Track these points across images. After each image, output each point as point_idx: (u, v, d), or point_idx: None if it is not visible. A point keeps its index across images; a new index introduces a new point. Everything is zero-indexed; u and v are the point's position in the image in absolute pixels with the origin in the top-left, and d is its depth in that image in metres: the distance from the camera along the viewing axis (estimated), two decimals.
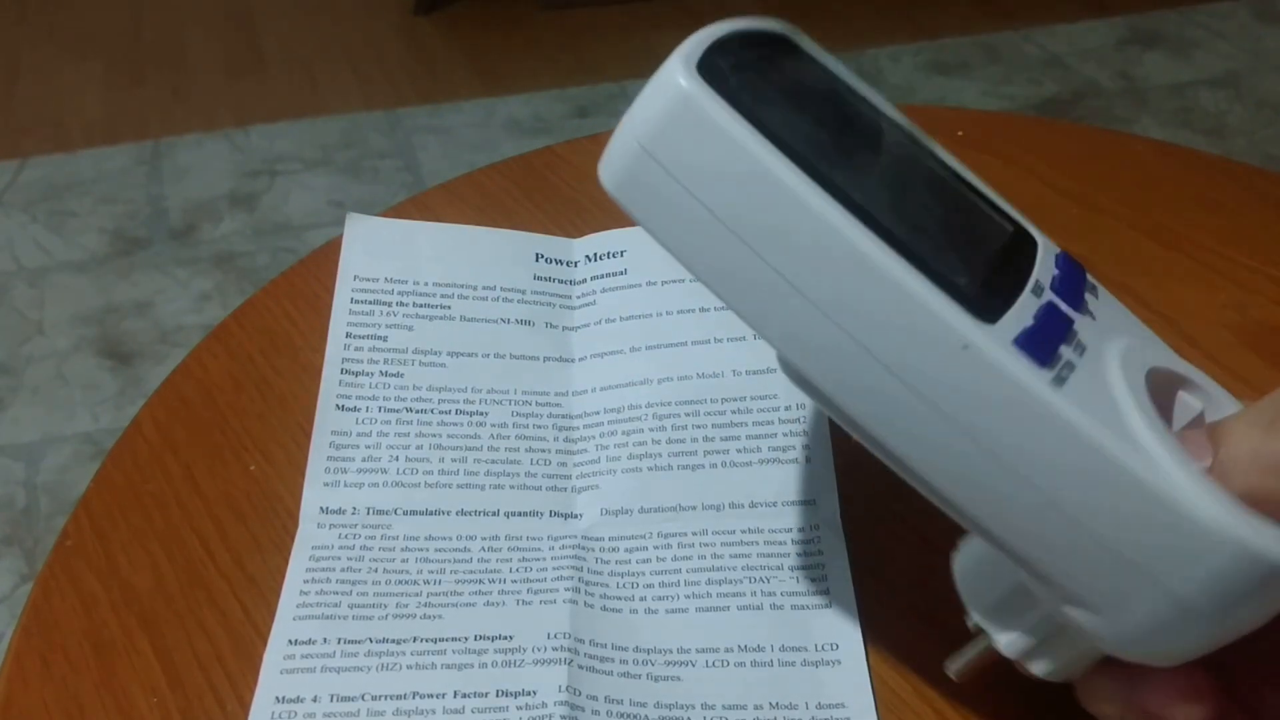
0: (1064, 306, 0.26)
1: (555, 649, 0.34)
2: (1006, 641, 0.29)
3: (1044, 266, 0.27)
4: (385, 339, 0.41)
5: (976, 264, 0.26)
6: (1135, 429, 0.24)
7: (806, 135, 0.25)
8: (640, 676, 0.33)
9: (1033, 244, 0.27)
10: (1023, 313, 0.25)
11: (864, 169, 0.26)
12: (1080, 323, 0.26)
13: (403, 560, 0.36)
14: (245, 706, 0.32)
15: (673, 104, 0.24)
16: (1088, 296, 0.27)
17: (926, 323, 0.24)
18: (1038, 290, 0.26)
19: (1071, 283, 0.27)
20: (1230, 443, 0.24)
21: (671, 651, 0.34)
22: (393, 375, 0.40)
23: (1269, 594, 0.24)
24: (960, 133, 0.56)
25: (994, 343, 0.24)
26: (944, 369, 0.24)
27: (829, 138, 0.26)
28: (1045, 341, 0.25)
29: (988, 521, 0.25)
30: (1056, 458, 0.24)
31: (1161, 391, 0.27)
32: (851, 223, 0.24)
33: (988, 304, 0.25)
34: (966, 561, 0.30)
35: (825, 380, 0.26)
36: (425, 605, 0.35)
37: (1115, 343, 0.26)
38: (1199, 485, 0.23)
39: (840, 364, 0.25)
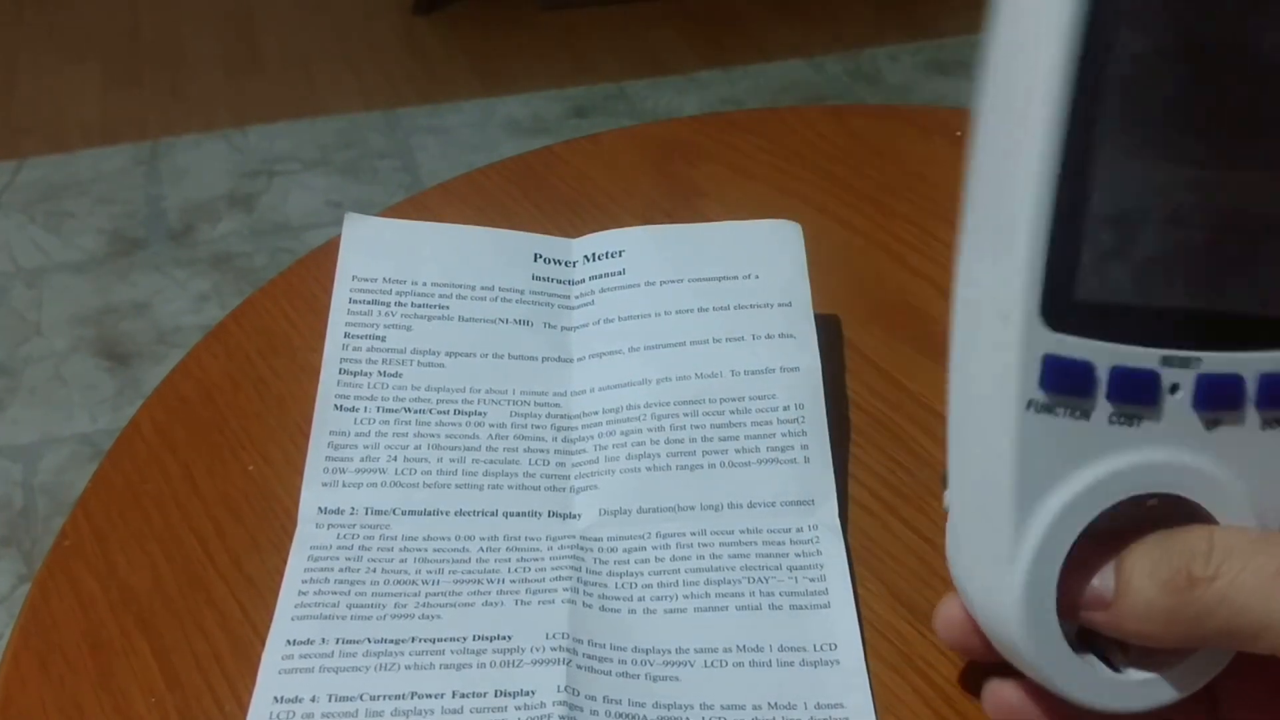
0: (1179, 394, 0.25)
1: (554, 649, 0.34)
2: (947, 497, 0.31)
3: (1230, 363, 0.25)
4: (383, 339, 0.41)
5: (1140, 290, 0.25)
6: (1048, 499, 0.26)
7: (1131, 65, 0.24)
8: (639, 676, 0.33)
9: (1262, 342, 0.25)
10: (1108, 355, 0.25)
11: (1157, 137, 0.24)
12: (1175, 414, 0.25)
13: (401, 560, 0.36)
14: (243, 707, 0.32)
15: None
16: (1247, 415, 0.26)
17: (1007, 275, 0.25)
18: (1173, 362, 0.25)
19: (1228, 395, 0.26)
20: (1130, 587, 0.25)
21: (670, 651, 0.34)
22: (391, 375, 0.40)
23: (1022, 665, 0.27)
24: (959, 133, 0.56)
25: (1025, 336, 0.25)
26: (990, 310, 0.26)
27: (1166, 88, 0.24)
28: (1068, 379, 0.25)
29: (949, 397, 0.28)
30: (977, 439, 0.27)
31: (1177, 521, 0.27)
32: (1050, 155, 0.24)
33: (1081, 318, 0.25)
34: None
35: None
36: (424, 605, 0.35)
37: (1170, 452, 0.26)
38: (1032, 584, 0.26)
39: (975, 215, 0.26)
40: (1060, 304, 0.25)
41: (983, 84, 0.26)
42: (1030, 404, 0.25)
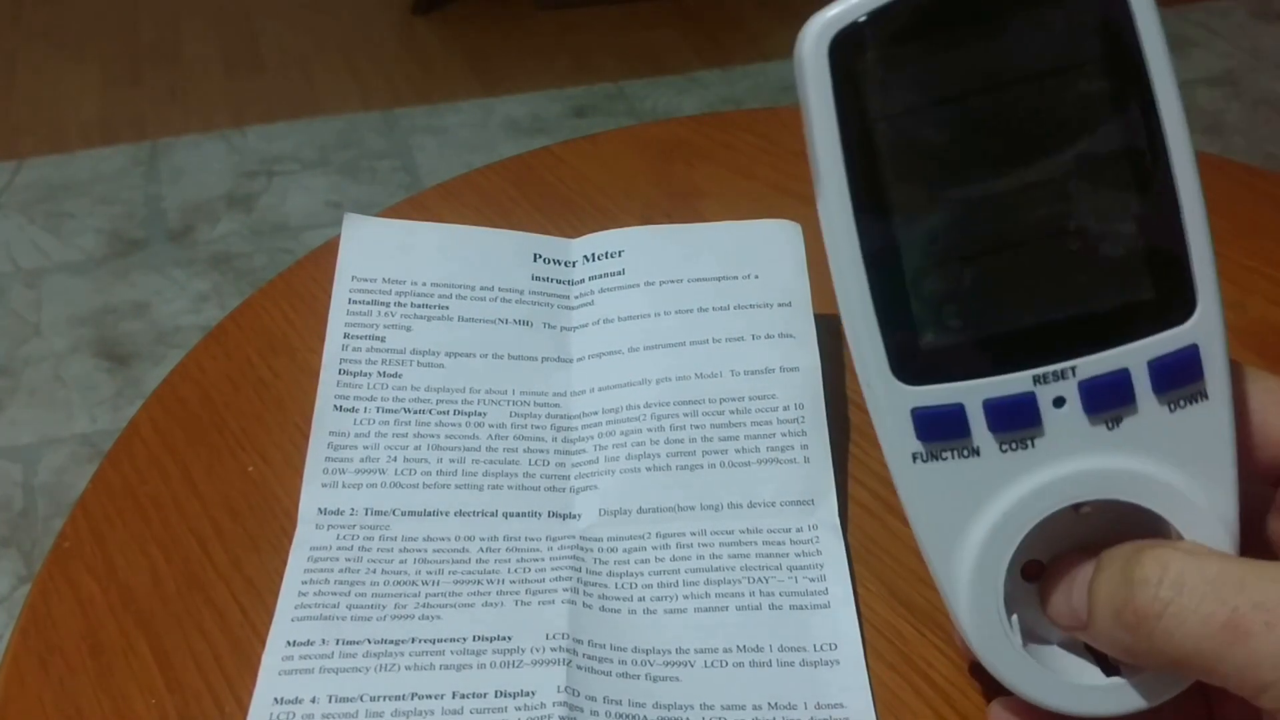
0: (1065, 406, 0.26)
1: (554, 649, 0.34)
2: None
3: (1109, 361, 0.25)
4: (383, 339, 0.41)
5: (985, 322, 0.25)
6: (966, 539, 0.27)
7: (894, 129, 0.25)
8: (639, 677, 0.33)
9: (1135, 331, 0.25)
10: (976, 391, 0.26)
11: (944, 182, 0.25)
12: (1067, 425, 0.26)
13: (401, 561, 0.36)
14: (243, 708, 0.32)
15: (796, 55, 0.26)
16: (1144, 405, 0.26)
17: (858, 349, 0.26)
18: (1047, 378, 0.26)
19: (1118, 393, 0.26)
20: (1093, 613, 0.26)
21: (670, 652, 0.34)
22: (391, 376, 0.40)
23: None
24: None
25: (889, 399, 0.26)
26: (863, 379, 0.27)
27: (932, 136, 0.25)
28: (940, 426, 0.26)
29: None
30: (899, 491, 0.27)
31: (1127, 523, 0.27)
32: (851, 231, 0.25)
33: (936, 366, 0.26)
34: None
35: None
36: (424, 606, 0.35)
37: (1076, 462, 0.26)
38: (976, 613, 0.27)
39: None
40: (909, 360, 0.26)
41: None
42: (915, 457, 0.26)
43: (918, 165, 0.25)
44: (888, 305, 0.26)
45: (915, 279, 0.25)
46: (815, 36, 0.25)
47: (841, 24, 0.25)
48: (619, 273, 0.44)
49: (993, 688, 0.33)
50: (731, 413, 0.39)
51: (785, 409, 0.39)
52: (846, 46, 0.25)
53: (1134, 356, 0.26)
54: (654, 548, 0.37)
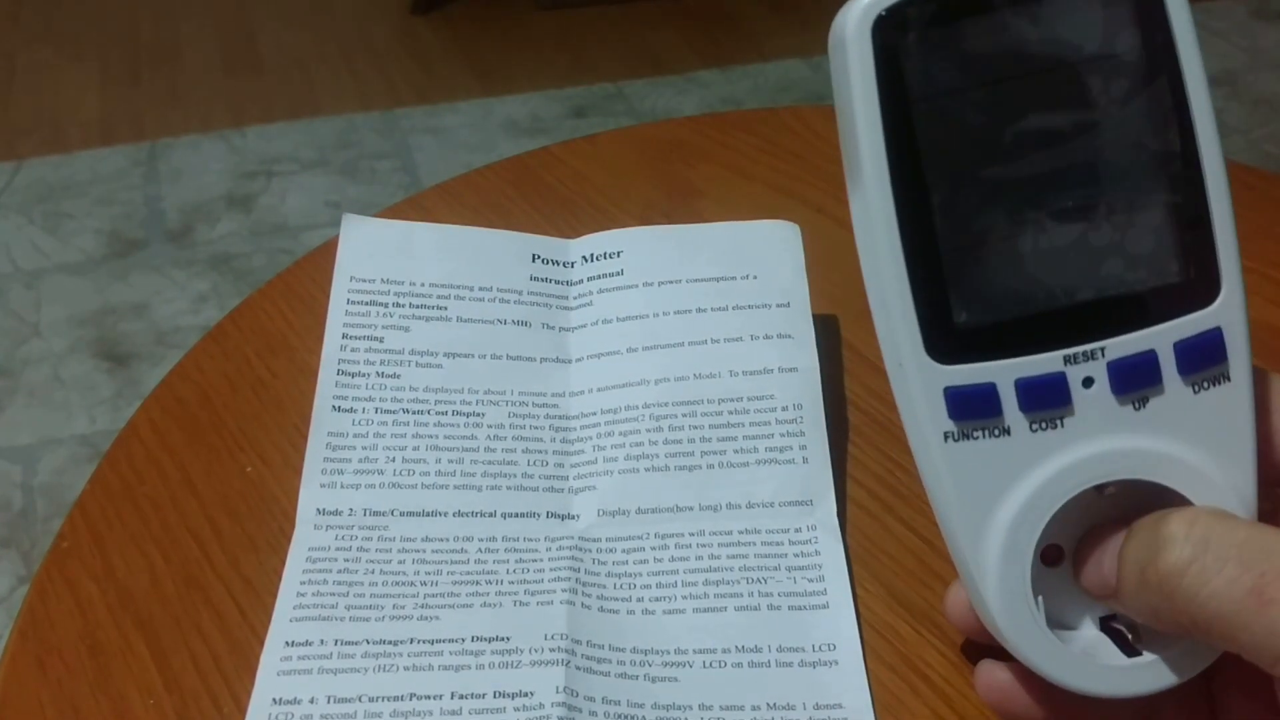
0: (1094, 386, 0.26)
1: (552, 650, 0.34)
2: None
3: (1137, 343, 0.26)
4: (382, 340, 0.41)
5: (1017, 302, 0.26)
6: (995, 518, 0.27)
7: (935, 110, 0.25)
8: (638, 677, 0.33)
9: (1162, 314, 0.26)
10: (1008, 371, 0.26)
11: (981, 163, 0.26)
12: (1096, 405, 0.26)
13: (399, 561, 0.36)
14: (242, 708, 0.32)
15: (837, 36, 0.26)
16: (1170, 386, 0.26)
17: (891, 328, 0.26)
18: (1077, 359, 0.26)
19: (1145, 374, 0.26)
20: (1121, 575, 0.26)
21: (669, 652, 0.34)
22: (389, 376, 0.40)
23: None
24: None
25: (921, 377, 0.26)
26: (893, 359, 0.27)
27: (971, 117, 0.25)
28: (972, 405, 0.26)
29: None
30: (924, 472, 0.28)
31: (1151, 505, 0.27)
32: (889, 211, 0.26)
33: (969, 345, 0.26)
34: None
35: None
36: (422, 606, 0.35)
37: (1103, 442, 0.26)
38: (1004, 595, 0.27)
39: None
40: (943, 339, 0.26)
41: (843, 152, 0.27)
42: (947, 436, 0.27)
43: (957, 146, 0.26)
44: (924, 284, 0.26)
45: (951, 259, 0.26)
46: (859, 17, 0.25)
47: (884, 5, 0.25)
48: (617, 273, 0.44)
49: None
50: (730, 413, 0.39)
51: (784, 409, 0.39)
52: (889, 28, 0.25)
53: (1161, 338, 0.26)
54: (653, 548, 0.37)
